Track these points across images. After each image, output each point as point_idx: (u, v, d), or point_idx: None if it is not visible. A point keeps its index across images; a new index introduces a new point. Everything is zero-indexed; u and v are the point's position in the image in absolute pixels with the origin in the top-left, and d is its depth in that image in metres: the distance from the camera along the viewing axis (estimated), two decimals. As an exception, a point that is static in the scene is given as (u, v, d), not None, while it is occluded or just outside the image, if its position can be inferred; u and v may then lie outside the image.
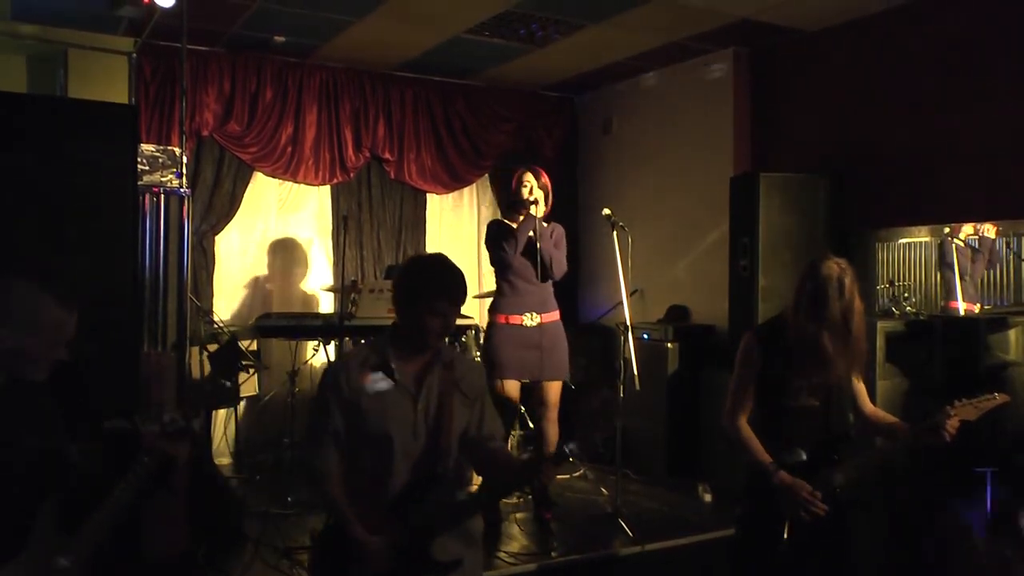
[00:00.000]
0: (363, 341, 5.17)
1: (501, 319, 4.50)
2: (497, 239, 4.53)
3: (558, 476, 5.49)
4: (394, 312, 2.64)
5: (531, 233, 4.48)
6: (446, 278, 2.59)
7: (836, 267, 2.74)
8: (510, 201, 4.66)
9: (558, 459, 2.39)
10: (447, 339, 5.49)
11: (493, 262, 4.63)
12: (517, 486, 2.53)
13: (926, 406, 2.75)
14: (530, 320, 4.45)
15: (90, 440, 2.47)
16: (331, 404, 2.58)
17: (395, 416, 2.56)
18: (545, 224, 4.62)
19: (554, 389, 4.48)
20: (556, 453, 2.38)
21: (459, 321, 5.74)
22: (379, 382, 2.58)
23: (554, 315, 4.55)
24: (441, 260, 2.68)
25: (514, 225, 4.55)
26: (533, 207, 4.48)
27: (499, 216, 5.14)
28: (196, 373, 5.05)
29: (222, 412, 5.66)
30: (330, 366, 2.80)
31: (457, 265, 2.67)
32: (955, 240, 4.92)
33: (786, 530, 2.72)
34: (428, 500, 2.52)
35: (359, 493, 2.56)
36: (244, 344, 5.86)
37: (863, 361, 2.84)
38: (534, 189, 4.54)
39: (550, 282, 4.59)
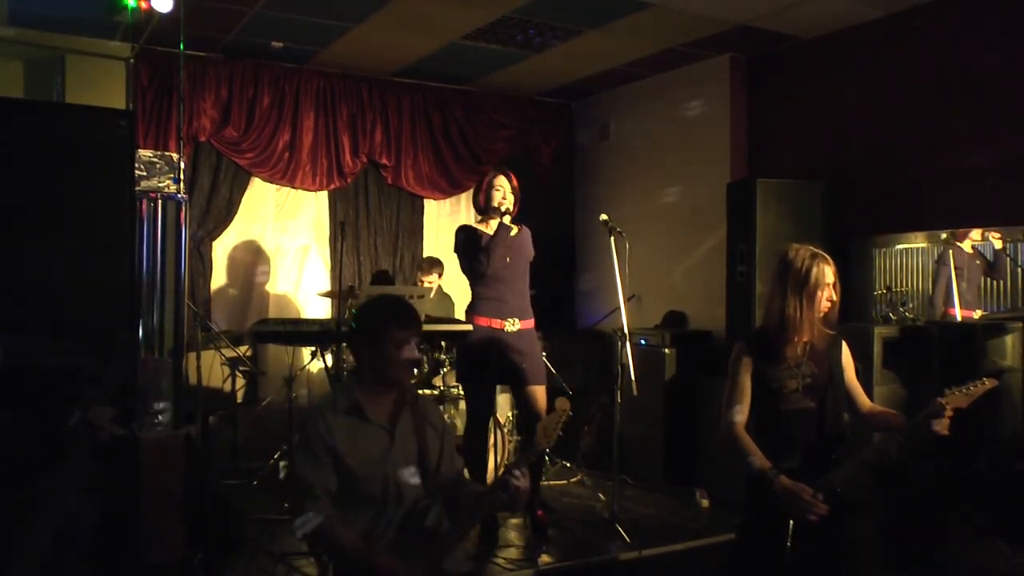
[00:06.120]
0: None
1: (482, 322, 4.39)
2: (471, 250, 4.39)
3: (553, 482, 5.51)
4: (355, 359, 2.73)
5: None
6: (398, 308, 2.68)
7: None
8: (482, 207, 4.51)
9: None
10: (440, 352, 5.51)
11: (465, 269, 4.49)
12: (492, 508, 2.63)
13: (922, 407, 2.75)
14: (511, 326, 4.37)
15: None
16: (315, 456, 2.57)
17: (375, 455, 2.60)
18: (516, 228, 4.48)
19: (540, 394, 4.45)
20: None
21: (457, 327, 5.73)
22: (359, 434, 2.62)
23: (531, 322, 4.49)
24: (389, 296, 2.82)
25: (488, 232, 4.43)
26: (507, 217, 4.35)
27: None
28: (193, 379, 5.03)
29: (220, 418, 5.65)
30: (304, 421, 2.74)
31: (402, 296, 2.79)
32: (956, 244, 4.93)
33: (790, 536, 2.71)
34: (425, 529, 2.58)
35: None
36: (241, 350, 5.86)
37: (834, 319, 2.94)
38: (507, 194, 4.41)
39: (527, 289, 4.52)
